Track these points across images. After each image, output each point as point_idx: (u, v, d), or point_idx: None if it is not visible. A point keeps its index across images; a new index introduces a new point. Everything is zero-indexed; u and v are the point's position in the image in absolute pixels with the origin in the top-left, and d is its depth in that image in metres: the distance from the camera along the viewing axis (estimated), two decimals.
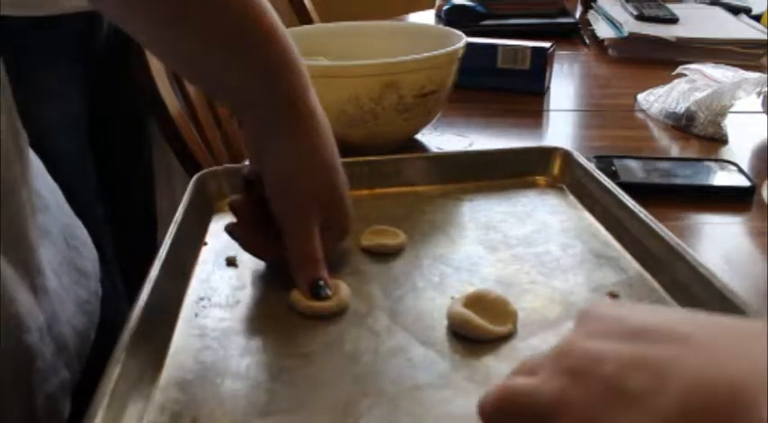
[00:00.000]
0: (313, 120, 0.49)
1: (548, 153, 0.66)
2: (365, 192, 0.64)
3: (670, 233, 0.49)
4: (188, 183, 0.62)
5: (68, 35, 0.84)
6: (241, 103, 0.50)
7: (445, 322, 0.44)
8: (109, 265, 0.90)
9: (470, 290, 0.46)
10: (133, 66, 0.96)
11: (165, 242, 0.50)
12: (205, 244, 0.56)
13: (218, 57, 0.48)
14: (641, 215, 0.52)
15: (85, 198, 0.86)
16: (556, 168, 0.65)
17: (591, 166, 0.61)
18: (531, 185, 0.65)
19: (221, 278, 0.51)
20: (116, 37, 0.93)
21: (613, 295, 0.47)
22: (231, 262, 0.53)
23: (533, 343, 0.42)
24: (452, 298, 0.46)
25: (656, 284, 0.48)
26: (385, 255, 0.53)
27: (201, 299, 0.48)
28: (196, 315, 0.47)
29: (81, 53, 0.86)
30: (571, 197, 0.62)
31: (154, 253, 0.49)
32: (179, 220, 0.54)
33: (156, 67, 0.97)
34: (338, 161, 0.50)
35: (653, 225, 0.50)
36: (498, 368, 0.40)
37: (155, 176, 1.10)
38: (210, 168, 0.65)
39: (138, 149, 1.03)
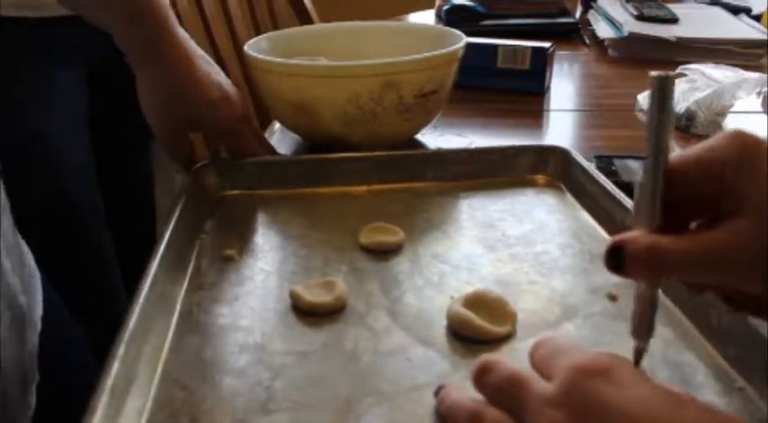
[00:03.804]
0: (173, 60, 0.62)
1: (546, 152, 0.66)
2: (363, 188, 0.64)
3: None
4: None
5: (71, 37, 0.84)
6: (121, 46, 0.63)
7: (444, 322, 0.44)
8: (109, 263, 0.90)
9: (469, 289, 0.46)
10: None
11: (163, 236, 0.50)
12: (203, 238, 0.56)
13: (100, 13, 0.62)
14: None
15: (88, 197, 0.86)
16: (554, 167, 0.65)
17: (589, 166, 0.61)
18: (530, 184, 0.65)
19: (219, 273, 0.51)
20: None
21: (612, 297, 0.47)
22: (229, 257, 0.53)
23: (532, 343, 0.42)
24: (452, 298, 0.46)
25: None
26: (383, 252, 0.53)
27: (199, 294, 0.48)
28: (194, 311, 0.47)
29: (83, 54, 0.86)
30: (569, 196, 0.62)
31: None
32: (177, 213, 0.54)
33: None
34: (208, 92, 0.64)
35: None
36: None
37: (154, 175, 1.10)
38: (208, 161, 0.65)
39: (141, 149, 1.03)
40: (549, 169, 0.65)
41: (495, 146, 0.69)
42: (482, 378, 0.32)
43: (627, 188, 0.57)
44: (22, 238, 0.82)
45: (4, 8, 0.75)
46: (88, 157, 0.87)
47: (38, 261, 0.83)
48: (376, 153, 0.66)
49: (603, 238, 0.55)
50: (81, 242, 0.86)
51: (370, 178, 0.65)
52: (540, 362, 0.31)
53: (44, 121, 0.80)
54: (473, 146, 0.78)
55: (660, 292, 0.47)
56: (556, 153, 0.65)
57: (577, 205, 0.60)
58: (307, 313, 0.46)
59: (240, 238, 0.56)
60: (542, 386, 0.29)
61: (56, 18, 0.81)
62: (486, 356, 0.33)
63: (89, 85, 0.88)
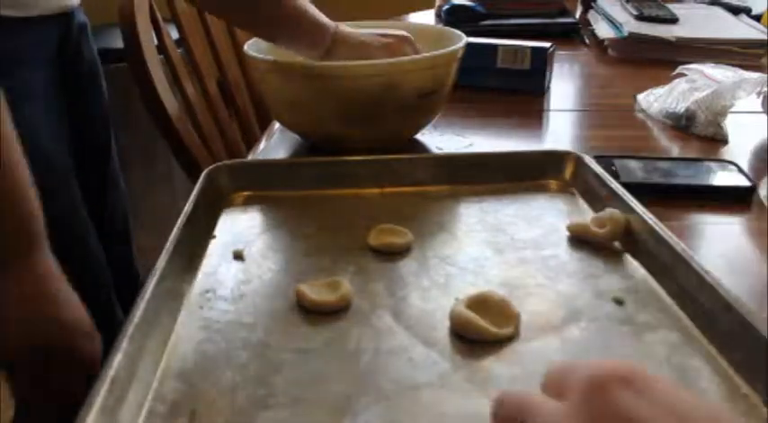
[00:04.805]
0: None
1: (559, 157, 0.66)
2: (375, 190, 0.64)
3: (677, 240, 0.48)
4: (187, 182, 0.62)
5: (50, 36, 0.85)
6: None
7: (448, 323, 0.44)
8: (95, 260, 0.90)
9: (474, 291, 0.46)
10: (133, 67, 0.96)
11: (172, 234, 0.51)
12: (213, 237, 0.56)
13: None
14: (650, 221, 0.51)
15: (70, 199, 0.87)
16: (567, 172, 0.65)
17: (602, 171, 0.61)
18: (542, 189, 0.64)
19: (228, 271, 0.51)
20: (83, 37, 0.93)
21: (618, 301, 0.46)
22: (238, 255, 0.53)
23: (535, 346, 0.42)
24: (456, 299, 0.46)
25: (661, 291, 0.47)
26: (392, 254, 0.53)
27: (207, 291, 0.49)
28: (201, 307, 0.47)
29: (60, 54, 0.87)
30: (581, 202, 0.62)
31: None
32: (188, 212, 0.54)
33: (155, 68, 0.97)
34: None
35: (660, 231, 0.50)
36: (499, 370, 0.40)
37: (157, 176, 1.10)
38: (221, 162, 0.65)
39: (106, 149, 1.03)
40: (561, 174, 0.65)
41: (509, 151, 0.68)
42: (496, 412, 0.30)
43: (626, 188, 0.57)
44: None
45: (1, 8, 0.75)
46: (68, 159, 0.87)
47: None
48: (388, 156, 0.66)
49: (614, 243, 0.54)
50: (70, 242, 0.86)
51: (383, 181, 0.65)
52: (550, 384, 0.29)
53: (26, 121, 0.80)
54: (473, 146, 0.78)
55: (665, 293, 0.47)
56: (569, 158, 0.65)
57: (589, 210, 0.60)
58: (311, 311, 0.46)
59: (250, 237, 0.57)
60: (555, 405, 0.27)
61: (38, 17, 0.81)
62: (499, 391, 0.31)
63: (66, 88, 0.88)
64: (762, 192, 0.64)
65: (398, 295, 0.48)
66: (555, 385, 0.29)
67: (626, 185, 0.58)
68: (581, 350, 0.42)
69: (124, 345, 0.38)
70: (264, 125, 1.12)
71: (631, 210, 0.54)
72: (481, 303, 0.44)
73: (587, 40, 1.30)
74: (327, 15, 0.74)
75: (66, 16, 0.88)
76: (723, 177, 0.67)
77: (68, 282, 0.84)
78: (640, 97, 0.91)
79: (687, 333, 0.43)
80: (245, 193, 0.64)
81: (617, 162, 0.69)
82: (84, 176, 0.91)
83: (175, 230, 0.51)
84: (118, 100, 1.10)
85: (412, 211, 0.60)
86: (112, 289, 0.90)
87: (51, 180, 0.82)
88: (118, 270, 0.95)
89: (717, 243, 0.58)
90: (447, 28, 0.83)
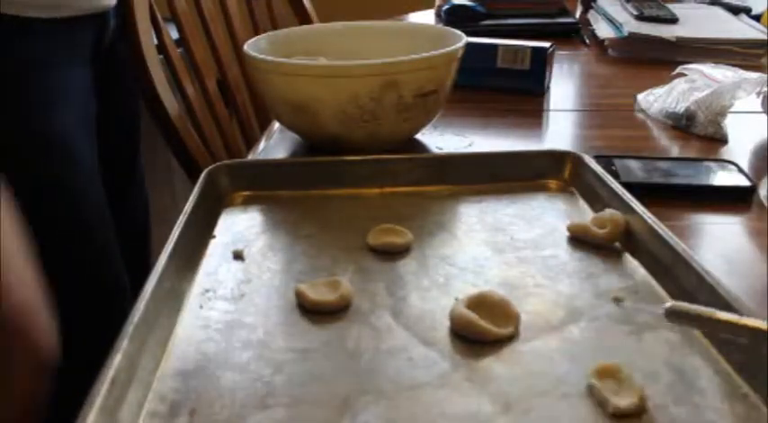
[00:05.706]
0: None
1: (559, 157, 0.65)
2: (374, 190, 0.64)
3: (677, 239, 0.48)
4: (188, 182, 0.62)
5: (82, 36, 0.85)
6: None
7: (447, 323, 0.44)
8: (114, 262, 0.90)
9: (474, 291, 0.46)
10: (133, 67, 0.96)
11: (172, 234, 0.51)
12: (213, 237, 0.57)
13: None
14: (649, 221, 0.51)
15: (97, 198, 0.87)
16: (567, 172, 0.65)
17: (601, 171, 0.61)
18: (542, 189, 0.64)
19: (228, 271, 0.51)
20: (118, 37, 0.93)
21: (618, 300, 0.46)
22: (238, 255, 0.53)
23: (535, 346, 0.42)
24: (456, 299, 0.46)
25: (661, 291, 0.47)
26: (391, 253, 0.53)
27: (207, 291, 0.49)
28: (201, 307, 0.47)
29: (91, 54, 0.87)
30: (581, 202, 0.62)
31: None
32: (188, 212, 0.55)
33: (155, 68, 0.97)
34: None
35: (660, 231, 0.50)
36: (499, 370, 0.40)
37: (157, 176, 1.10)
38: (221, 162, 0.65)
39: (134, 149, 1.03)
40: (561, 174, 0.65)
41: (508, 150, 0.68)
42: None
43: (626, 188, 0.57)
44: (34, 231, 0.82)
45: (21, 8, 0.75)
46: (96, 160, 0.87)
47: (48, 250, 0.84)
48: (388, 156, 0.66)
49: (614, 243, 0.54)
50: (88, 238, 0.86)
51: (382, 181, 0.65)
52: None
53: (56, 123, 0.80)
54: (473, 146, 0.78)
55: (665, 293, 0.47)
56: (569, 158, 0.65)
57: (589, 210, 0.60)
58: (311, 311, 0.46)
59: (250, 237, 0.57)
60: None
61: (70, 18, 0.81)
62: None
63: (96, 88, 0.89)
64: (762, 192, 0.64)
65: (398, 295, 0.48)
66: None
67: (626, 185, 0.58)
68: (581, 350, 0.42)
69: (124, 345, 0.38)
70: (264, 125, 1.12)
71: (631, 210, 0.54)
72: (481, 303, 0.44)
73: (587, 40, 1.30)
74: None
75: (101, 17, 0.88)
76: (723, 177, 0.67)
77: (86, 284, 0.85)
78: (640, 97, 0.91)
79: (687, 333, 0.43)
80: (245, 193, 0.64)
81: (617, 162, 0.69)
82: (109, 178, 0.92)
83: (175, 230, 0.51)
84: None
85: (411, 210, 0.60)
86: (129, 292, 0.91)
87: (79, 180, 0.83)
88: (134, 269, 0.95)
89: (717, 243, 0.58)
90: (447, 28, 0.83)
